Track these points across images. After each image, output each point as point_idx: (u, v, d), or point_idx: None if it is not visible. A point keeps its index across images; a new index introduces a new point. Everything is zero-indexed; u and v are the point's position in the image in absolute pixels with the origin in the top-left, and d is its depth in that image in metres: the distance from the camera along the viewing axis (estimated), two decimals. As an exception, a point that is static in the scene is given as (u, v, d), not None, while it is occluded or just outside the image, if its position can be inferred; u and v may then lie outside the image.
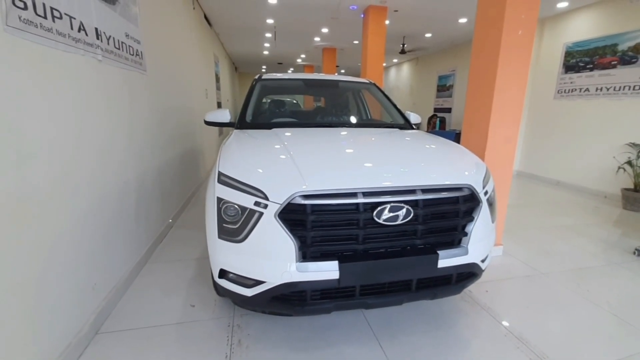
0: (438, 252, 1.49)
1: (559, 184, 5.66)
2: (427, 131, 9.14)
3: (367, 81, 3.15)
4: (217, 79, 8.30)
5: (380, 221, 1.40)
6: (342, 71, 15.84)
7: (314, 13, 6.08)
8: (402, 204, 1.42)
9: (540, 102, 6.05)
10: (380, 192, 1.43)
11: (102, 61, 1.93)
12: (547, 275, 2.50)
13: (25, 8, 1.30)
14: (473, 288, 2.28)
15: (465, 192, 1.55)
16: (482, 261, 1.71)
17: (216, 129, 7.19)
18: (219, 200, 1.49)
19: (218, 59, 8.53)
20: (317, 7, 5.70)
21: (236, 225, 1.44)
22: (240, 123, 2.37)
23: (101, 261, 1.89)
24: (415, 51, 9.58)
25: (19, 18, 1.27)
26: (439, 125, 8.22)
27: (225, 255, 1.48)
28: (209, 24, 7.05)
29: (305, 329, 1.82)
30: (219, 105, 8.25)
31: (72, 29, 1.62)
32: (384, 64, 13.36)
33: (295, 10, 5.96)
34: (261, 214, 1.38)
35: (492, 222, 1.74)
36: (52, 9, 1.46)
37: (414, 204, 1.46)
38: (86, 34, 1.76)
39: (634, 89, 4.53)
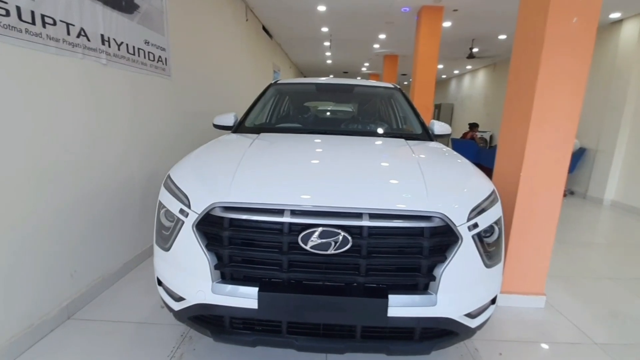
0: (389, 296, 1.17)
1: (671, 223, 4.30)
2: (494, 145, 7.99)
3: (391, 86, 2.83)
4: (276, 87, 8.65)
5: (307, 248, 1.15)
6: (411, 80, 15.12)
7: (367, 18, 5.86)
8: (338, 230, 1.14)
9: (649, 116, 4.74)
10: (313, 212, 1.18)
11: (106, 64, 2.08)
12: (602, 347, 1.83)
13: (7, 15, 1.44)
14: (481, 346, 1.78)
15: (435, 223, 1.19)
16: (470, 316, 1.30)
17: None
18: (159, 204, 1.42)
19: (279, 68, 8.89)
20: (368, 12, 5.49)
21: (168, 232, 1.35)
22: (237, 127, 2.32)
23: (87, 251, 2.00)
24: (488, 56, 8.55)
25: (-3, 23, 1.40)
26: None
27: (157, 263, 1.41)
28: (270, 35, 7.39)
29: (257, 356, 1.63)
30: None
31: (68, 34, 1.77)
32: (456, 71, 12.33)
33: (347, 16, 5.83)
34: (182, 222, 1.27)
35: (489, 266, 1.31)
36: (43, 15, 1.60)
37: (356, 231, 1.17)
38: (88, 40, 1.91)
39: None
